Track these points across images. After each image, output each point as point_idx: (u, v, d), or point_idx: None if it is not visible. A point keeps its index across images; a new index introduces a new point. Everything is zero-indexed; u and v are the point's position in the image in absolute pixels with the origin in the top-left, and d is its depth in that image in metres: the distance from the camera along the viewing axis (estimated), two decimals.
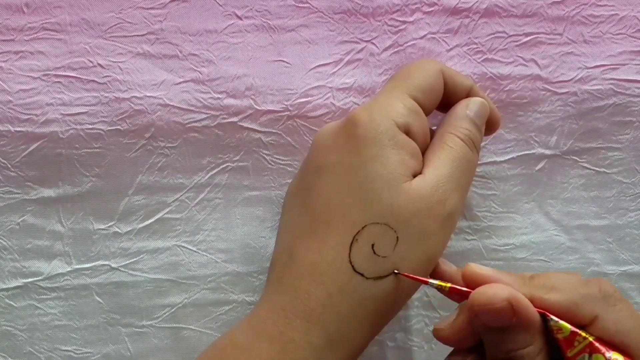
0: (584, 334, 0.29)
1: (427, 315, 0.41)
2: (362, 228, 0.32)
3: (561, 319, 0.30)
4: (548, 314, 0.30)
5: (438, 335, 0.32)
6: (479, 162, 0.39)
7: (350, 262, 0.32)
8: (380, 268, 0.32)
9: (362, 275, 0.32)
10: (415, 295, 0.40)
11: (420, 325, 0.41)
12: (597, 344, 0.29)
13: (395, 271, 0.32)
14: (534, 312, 0.30)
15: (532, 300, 0.30)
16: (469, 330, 0.31)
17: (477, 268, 0.31)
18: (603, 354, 0.29)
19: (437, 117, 0.38)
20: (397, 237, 0.32)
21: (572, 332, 0.29)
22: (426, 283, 0.32)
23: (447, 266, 0.34)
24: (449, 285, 0.32)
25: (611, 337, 0.30)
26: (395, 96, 0.34)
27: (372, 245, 0.32)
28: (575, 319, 0.30)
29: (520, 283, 0.31)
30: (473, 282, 0.31)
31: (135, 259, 0.39)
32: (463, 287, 0.31)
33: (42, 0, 0.38)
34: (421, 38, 0.40)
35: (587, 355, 0.29)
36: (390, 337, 0.41)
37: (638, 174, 0.41)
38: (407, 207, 0.32)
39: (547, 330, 0.30)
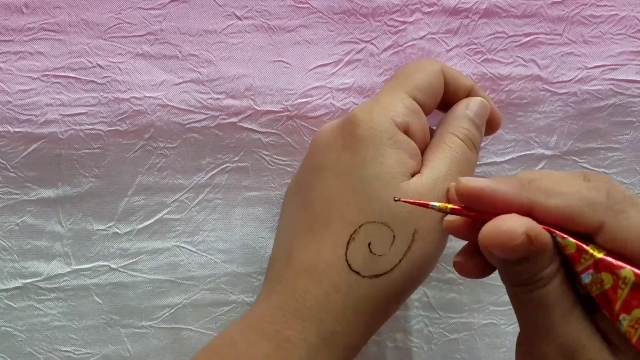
0: (591, 251, 0.27)
1: (426, 316, 0.41)
2: (359, 227, 0.32)
3: (565, 226, 0.27)
4: (553, 230, 0.27)
5: (459, 269, 0.31)
6: (478, 163, 0.39)
7: (347, 261, 0.32)
8: (376, 267, 0.32)
9: (358, 274, 0.32)
10: (415, 296, 0.40)
11: (420, 325, 0.41)
12: (606, 260, 0.27)
13: (395, 198, 0.31)
14: (546, 233, 0.27)
15: (532, 208, 0.28)
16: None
17: (470, 182, 0.29)
18: (612, 272, 0.26)
19: (438, 116, 0.38)
20: (394, 236, 0.32)
21: (578, 249, 0.27)
22: (427, 206, 0.30)
23: (473, 182, 0.30)
24: (450, 206, 0.30)
25: (620, 246, 0.27)
26: (395, 96, 0.34)
27: (369, 244, 0.32)
28: (580, 226, 0.27)
29: (519, 189, 0.28)
30: (469, 199, 0.29)
31: (134, 260, 0.39)
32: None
33: (42, 1, 0.38)
34: (421, 38, 0.40)
35: (593, 272, 0.27)
36: (390, 337, 0.41)
37: (638, 175, 0.41)
38: (404, 206, 0.32)
39: (556, 244, 0.28)
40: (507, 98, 0.40)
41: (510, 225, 0.27)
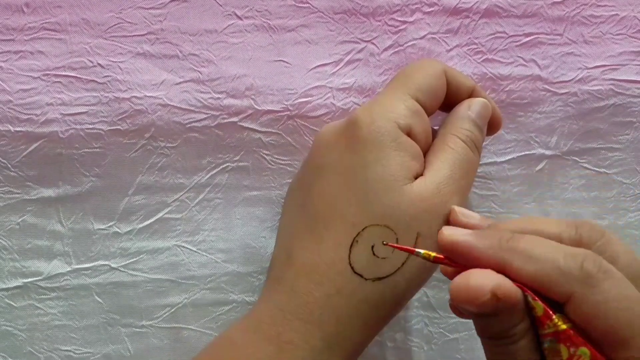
0: (556, 320, 0.27)
1: (426, 316, 0.41)
2: (363, 229, 0.32)
3: (537, 291, 0.27)
4: (525, 289, 0.28)
5: (455, 312, 0.31)
6: (479, 163, 0.39)
7: (350, 263, 0.32)
8: (379, 269, 0.32)
9: (361, 276, 0.32)
10: (415, 296, 0.40)
11: (420, 325, 0.41)
12: (567, 333, 0.27)
13: (384, 242, 0.32)
14: (516, 292, 0.27)
15: (505, 270, 0.28)
16: None
17: (450, 236, 0.29)
18: (568, 347, 0.27)
19: (439, 117, 0.38)
20: (397, 239, 0.32)
21: (545, 313, 0.27)
22: (413, 252, 0.31)
23: (465, 218, 0.32)
24: (433, 254, 0.30)
25: (586, 320, 0.27)
26: (397, 97, 0.34)
27: (372, 247, 0.32)
28: (551, 294, 0.27)
29: (496, 248, 0.28)
30: (450, 252, 0.29)
31: (135, 259, 0.39)
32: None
33: (42, 0, 0.38)
34: (421, 38, 0.40)
35: (553, 340, 0.27)
36: (390, 337, 0.41)
37: (638, 175, 0.41)
38: (407, 209, 0.32)
39: (527, 304, 0.28)
40: (508, 98, 0.40)
41: (478, 282, 0.27)
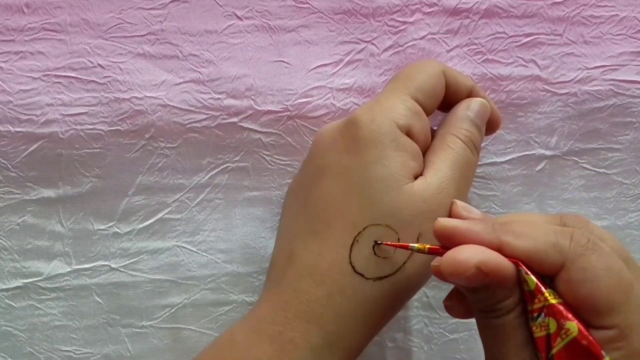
0: (547, 294, 0.28)
1: (426, 316, 0.41)
2: (363, 229, 0.32)
3: (529, 266, 0.28)
4: (520, 264, 0.28)
5: (449, 312, 0.32)
6: (479, 163, 0.39)
7: (351, 263, 0.32)
8: (380, 269, 0.32)
9: (362, 276, 0.32)
10: (415, 296, 0.40)
11: (419, 325, 0.41)
12: (556, 307, 0.28)
13: (378, 241, 0.32)
14: (507, 266, 0.28)
15: (501, 248, 0.29)
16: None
17: (445, 222, 0.30)
18: (557, 320, 0.27)
19: (439, 117, 0.38)
20: (398, 239, 0.32)
21: (537, 288, 0.28)
22: (407, 248, 0.32)
23: (466, 212, 0.32)
24: (427, 246, 0.31)
25: (575, 287, 0.28)
26: (397, 97, 0.34)
27: (373, 247, 0.32)
28: (542, 267, 0.28)
29: (489, 230, 0.29)
30: (444, 238, 0.30)
31: (135, 260, 0.39)
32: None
33: (43, 1, 0.38)
34: (421, 38, 0.40)
35: (542, 314, 0.28)
36: (390, 337, 0.41)
37: (638, 175, 0.41)
38: (408, 208, 0.32)
39: (520, 279, 0.29)
40: (508, 98, 0.40)
41: (465, 256, 0.28)
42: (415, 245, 0.31)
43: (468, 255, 0.28)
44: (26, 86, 0.38)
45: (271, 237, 0.40)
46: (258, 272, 0.40)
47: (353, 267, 0.32)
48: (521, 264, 0.28)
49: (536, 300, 0.28)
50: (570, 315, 0.27)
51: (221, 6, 0.39)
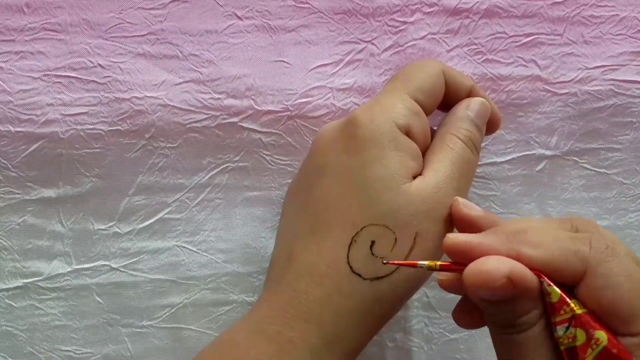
0: (572, 305, 0.27)
1: (426, 316, 0.41)
2: (361, 229, 0.32)
3: (549, 276, 0.28)
4: (542, 275, 0.28)
5: (457, 322, 0.32)
6: (479, 163, 0.39)
7: (349, 263, 0.32)
8: (378, 269, 0.32)
9: (359, 276, 0.32)
10: (415, 296, 0.40)
11: (420, 325, 0.41)
12: (584, 317, 0.27)
13: (384, 261, 0.32)
14: (532, 278, 0.28)
15: (518, 259, 0.28)
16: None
17: (455, 237, 0.29)
18: (586, 330, 0.27)
19: (438, 117, 0.38)
20: (396, 239, 0.32)
21: (561, 299, 0.27)
22: (415, 266, 0.31)
23: (467, 209, 0.32)
24: (439, 263, 0.30)
25: (599, 293, 0.27)
26: (396, 97, 0.34)
27: (371, 247, 0.32)
28: (563, 276, 0.28)
29: (504, 241, 0.29)
30: (457, 254, 0.29)
31: (135, 259, 0.40)
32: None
33: (43, 1, 0.38)
34: (421, 38, 0.40)
35: (569, 326, 0.27)
36: (390, 337, 0.41)
37: (638, 175, 0.41)
38: (406, 208, 0.32)
39: (542, 291, 0.28)
40: (508, 98, 0.40)
41: (493, 266, 0.27)
42: (425, 263, 0.30)
43: (497, 265, 0.27)
44: (26, 86, 0.38)
45: (271, 237, 0.40)
46: (258, 272, 0.40)
47: (351, 267, 0.32)
48: (543, 275, 0.28)
49: (562, 312, 0.27)
50: (598, 325, 0.27)
51: (221, 6, 0.39)
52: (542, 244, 0.28)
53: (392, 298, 0.33)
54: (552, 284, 0.28)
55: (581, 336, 0.27)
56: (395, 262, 0.31)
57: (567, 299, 0.27)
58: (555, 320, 0.28)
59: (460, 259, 0.29)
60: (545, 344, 0.28)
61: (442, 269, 0.30)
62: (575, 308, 0.27)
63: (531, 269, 0.28)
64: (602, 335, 0.27)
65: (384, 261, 0.32)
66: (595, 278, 0.27)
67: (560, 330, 0.28)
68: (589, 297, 0.28)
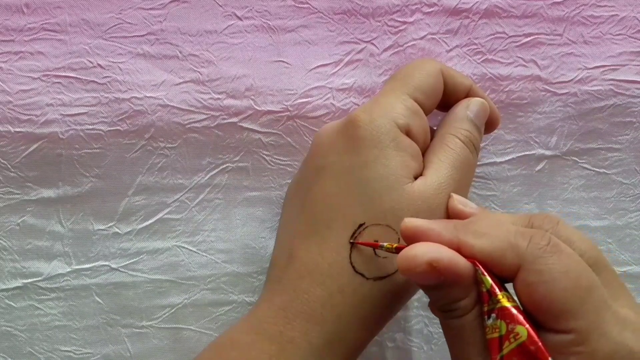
0: (500, 297, 0.27)
1: (426, 316, 0.41)
2: (364, 229, 0.32)
3: (488, 267, 0.28)
4: (477, 264, 0.28)
5: (432, 311, 0.32)
6: (478, 163, 0.39)
7: (351, 263, 0.32)
8: (380, 269, 0.32)
9: (362, 275, 0.32)
10: (415, 296, 0.40)
11: (419, 325, 0.41)
12: (508, 310, 0.27)
13: (352, 240, 0.32)
14: (463, 266, 0.28)
15: (459, 247, 0.29)
16: None
17: (409, 221, 0.30)
18: (507, 323, 0.27)
19: (438, 117, 0.38)
20: (399, 239, 0.32)
21: (491, 289, 0.28)
22: (377, 247, 0.32)
23: (463, 205, 0.32)
24: (395, 245, 0.31)
25: (531, 289, 0.27)
26: (396, 97, 0.34)
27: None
28: (500, 268, 0.28)
29: (450, 229, 0.29)
30: (410, 237, 0.30)
31: (135, 260, 0.39)
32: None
33: (42, 1, 0.38)
34: (421, 38, 0.40)
35: (494, 317, 0.27)
36: (390, 337, 0.41)
37: (638, 175, 0.41)
38: (408, 208, 0.32)
39: (477, 279, 0.28)
40: (507, 98, 0.40)
41: (417, 253, 0.28)
42: (385, 243, 0.31)
43: (420, 251, 0.28)
44: (26, 86, 0.38)
45: (271, 237, 0.40)
46: (258, 272, 0.40)
47: (353, 267, 0.32)
48: (478, 264, 0.28)
49: (490, 302, 0.28)
50: (521, 319, 0.27)
51: (221, 6, 0.39)
52: (485, 235, 0.29)
53: (394, 298, 0.33)
54: (485, 273, 0.28)
55: (503, 328, 0.27)
56: (359, 241, 0.32)
57: (497, 290, 0.28)
58: (485, 310, 0.28)
59: (412, 243, 0.30)
60: (480, 331, 0.28)
61: (396, 251, 0.31)
62: (502, 300, 0.27)
63: (469, 257, 0.28)
64: (522, 330, 0.27)
65: (352, 241, 0.32)
66: (529, 273, 0.27)
67: (488, 320, 0.28)
68: (522, 291, 0.28)
